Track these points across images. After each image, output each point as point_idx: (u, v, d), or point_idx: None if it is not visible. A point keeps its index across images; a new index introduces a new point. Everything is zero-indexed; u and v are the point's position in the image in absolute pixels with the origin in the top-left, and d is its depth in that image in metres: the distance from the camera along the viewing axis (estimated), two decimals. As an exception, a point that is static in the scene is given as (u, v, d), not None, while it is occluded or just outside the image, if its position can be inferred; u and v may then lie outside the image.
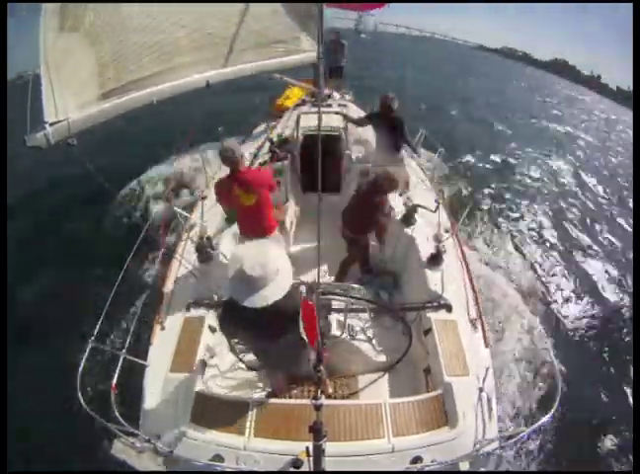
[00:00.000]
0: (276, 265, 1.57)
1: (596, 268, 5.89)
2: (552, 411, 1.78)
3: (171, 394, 2.11)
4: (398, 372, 2.69)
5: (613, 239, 6.83)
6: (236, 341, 2.36)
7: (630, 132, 15.46)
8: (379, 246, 3.46)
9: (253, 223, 2.94)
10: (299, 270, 3.58)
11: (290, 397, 2.40)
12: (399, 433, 1.98)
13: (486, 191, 7.67)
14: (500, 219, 6.68)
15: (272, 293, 1.55)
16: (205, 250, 2.98)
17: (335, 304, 2.73)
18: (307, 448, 1.51)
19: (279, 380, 2.38)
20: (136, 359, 2.19)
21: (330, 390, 2.54)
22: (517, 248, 5.96)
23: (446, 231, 3.29)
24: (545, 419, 1.77)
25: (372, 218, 3.17)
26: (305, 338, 1.80)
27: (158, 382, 2.18)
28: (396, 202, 3.57)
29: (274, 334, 1.77)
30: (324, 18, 4.02)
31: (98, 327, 2.13)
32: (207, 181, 3.98)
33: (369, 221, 3.19)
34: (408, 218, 3.45)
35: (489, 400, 2.10)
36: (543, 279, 5.42)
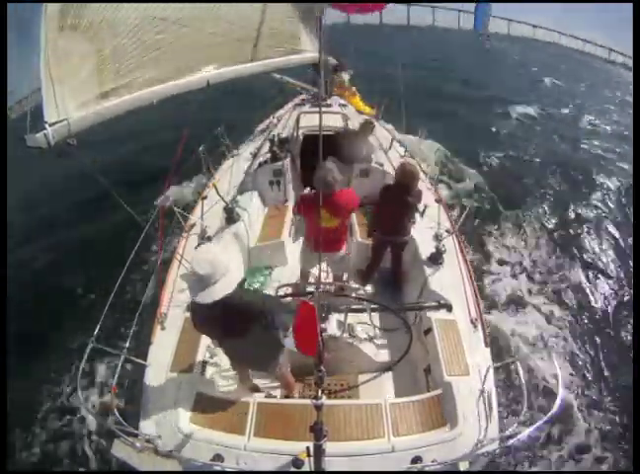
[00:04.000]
0: (224, 263, 1.71)
1: (596, 267, 5.88)
2: (552, 411, 1.78)
3: (171, 394, 2.11)
4: (398, 372, 2.69)
5: (615, 239, 6.81)
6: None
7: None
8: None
9: (326, 242, 2.84)
10: (299, 269, 3.60)
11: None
12: (399, 432, 1.98)
13: (487, 190, 7.63)
14: (503, 216, 6.64)
15: (219, 290, 1.67)
16: None
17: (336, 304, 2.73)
18: (307, 448, 1.51)
19: (245, 376, 2.46)
20: (136, 359, 2.19)
21: (297, 392, 2.58)
22: (517, 247, 5.95)
23: (447, 231, 3.29)
24: (545, 419, 1.77)
25: (410, 217, 3.24)
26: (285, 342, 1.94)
27: (158, 382, 2.18)
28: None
29: (232, 331, 1.89)
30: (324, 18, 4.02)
31: (98, 327, 2.12)
32: (208, 180, 3.98)
33: (409, 221, 3.25)
34: None
35: (489, 400, 2.10)
36: (543, 279, 5.42)
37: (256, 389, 2.56)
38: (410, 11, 24.70)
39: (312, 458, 1.51)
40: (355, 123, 4.71)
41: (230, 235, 3.36)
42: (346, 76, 6.80)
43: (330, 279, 3.29)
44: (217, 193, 3.46)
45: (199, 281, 1.67)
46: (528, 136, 9.83)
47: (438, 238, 3.13)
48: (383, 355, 2.85)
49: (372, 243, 3.48)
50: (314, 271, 2.75)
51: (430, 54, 18.23)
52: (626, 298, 5.26)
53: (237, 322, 1.83)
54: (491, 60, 19.47)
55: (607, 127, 11.39)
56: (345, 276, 3.38)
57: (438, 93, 12.30)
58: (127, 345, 2.19)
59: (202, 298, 1.67)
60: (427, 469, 1.81)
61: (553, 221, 6.66)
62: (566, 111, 12.58)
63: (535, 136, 9.89)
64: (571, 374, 3.97)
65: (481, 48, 21.16)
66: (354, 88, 6.84)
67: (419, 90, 9.98)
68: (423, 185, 4.08)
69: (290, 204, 4.23)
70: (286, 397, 2.55)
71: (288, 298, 2.53)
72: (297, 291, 2.59)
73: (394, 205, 3.09)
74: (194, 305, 1.92)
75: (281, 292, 2.60)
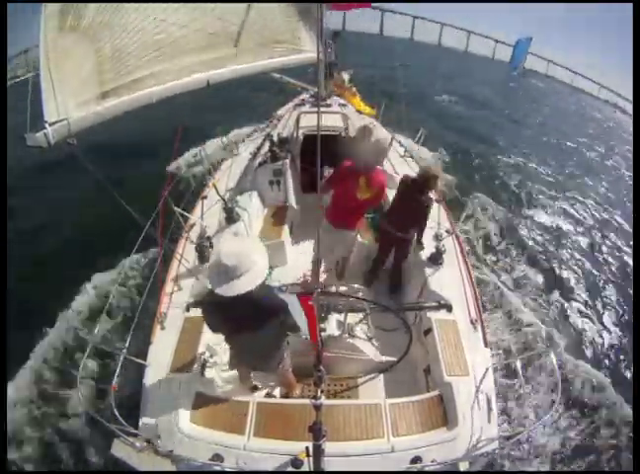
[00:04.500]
0: (251, 258, 1.66)
1: (596, 267, 5.89)
2: (552, 411, 1.78)
3: (171, 394, 2.11)
4: (398, 372, 2.69)
5: (616, 238, 6.80)
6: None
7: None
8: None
9: (351, 215, 3.05)
10: (299, 269, 3.60)
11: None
12: (399, 432, 1.98)
13: (487, 189, 7.62)
14: (504, 218, 6.64)
15: (243, 284, 1.63)
16: (205, 250, 2.98)
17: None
18: (307, 448, 1.51)
19: (246, 375, 2.46)
20: (136, 359, 2.19)
21: (298, 391, 2.59)
22: (517, 247, 5.95)
23: (447, 231, 3.29)
24: (545, 419, 1.77)
25: (420, 216, 3.19)
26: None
27: (158, 382, 2.18)
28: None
29: (246, 326, 1.85)
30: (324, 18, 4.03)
31: (98, 327, 2.13)
32: (207, 180, 3.98)
33: (417, 219, 3.21)
34: None
35: (489, 400, 2.10)
36: (543, 279, 5.42)
37: (255, 389, 2.56)
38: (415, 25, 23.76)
39: (311, 458, 1.52)
40: (354, 124, 4.71)
41: (230, 235, 3.36)
42: (346, 76, 6.80)
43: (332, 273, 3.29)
44: (217, 193, 3.46)
45: (223, 273, 1.63)
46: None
47: (438, 238, 3.14)
48: (383, 356, 2.85)
49: (379, 239, 3.48)
50: (328, 256, 2.79)
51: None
52: (626, 298, 5.27)
53: (253, 317, 1.81)
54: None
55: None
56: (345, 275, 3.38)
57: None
58: (127, 345, 2.19)
59: (225, 291, 1.63)
60: (426, 469, 1.81)
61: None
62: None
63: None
64: (570, 374, 3.97)
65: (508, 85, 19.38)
66: (354, 88, 6.84)
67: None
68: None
69: (291, 205, 4.22)
70: (286, 396, 2.55)
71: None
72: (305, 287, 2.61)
73: (410, 204, 3.09)
74: (207, 298, 1.89)
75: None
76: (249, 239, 1.99)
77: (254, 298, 1.68)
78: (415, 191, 3.04)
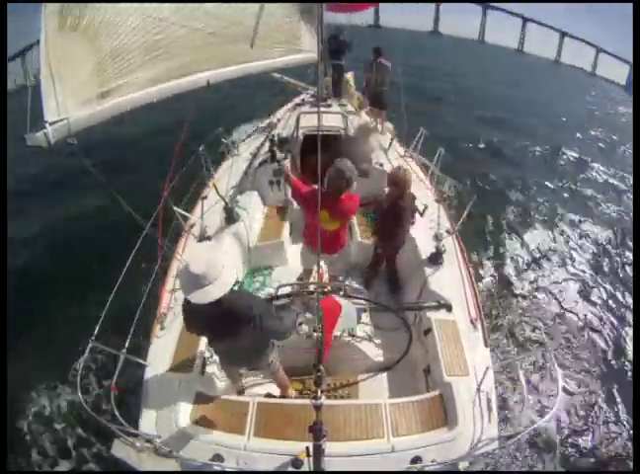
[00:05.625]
0: (219, 265, 1.70)
1: (597, 268, 5.88)
2: (552, 411, 1.78)
3: (171, 394, 2.11)
4: (398, 372, 2.69)
5: (617, 237, 6.78)
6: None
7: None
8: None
9: (325, 242, 2.77)
10: (299, 269, 3.60)
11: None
12: (399, 433, 1.98)
13: (489, 190, 7.61)
14: (503, 218, 6.64)
15: (213, 291, 1.66)
16: None
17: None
18: (307, 448, 1.51)
19: (235, 377, 2.48)
20: (136, 359, 2.19)
21: (292, 392, 2.59)
22: (520, 247, 5.95)
23: (447, 231, 3.29)
24: (545, 419, 1.77)
25: (406, 223, 3.19)
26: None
27: (158, 382, 2.18)
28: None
29: (226, 332, 1.89)
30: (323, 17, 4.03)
31: (98, 327, 2.12)
32: (208, 180, 3.98)
33: (403, 227, 3.21)
34: None
35: (489, 400, 2.10)
36: (544, 279, 5.42)
37: (242, 392, 2.55)
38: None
39: (312, 458, 1.52)
40: (354, 123, 4.71)
41: (230, 235, 3.37)
42: (349, 76, 6.73)
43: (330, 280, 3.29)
44: (217, 193, 3.47)
45: (193, 281, 1.66)
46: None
47: (437, 238, 3.14)
48: (383, 356, 2.85)
49: (374, 253, 3.51)
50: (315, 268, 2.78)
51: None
52: (626, 300, 5.27)
53: (225, 325, 1.84)
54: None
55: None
56: (342, 277, 3.39)
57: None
58: (127, 345, 2.19)
59: (195, 298, 1.67)
60: (426, 469, 1.81)
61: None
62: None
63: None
64: (570, 374, 3.97)
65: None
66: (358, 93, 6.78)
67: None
68: (422, 184, 4.08)
69: (290, 205, 4.22)
70: (282, 397, 2.55)
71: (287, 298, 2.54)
72: (298, 291, 2.60)
73: (389, 214, 3.12)
74: (185, 304, 1.93)
75: (281, 292, 2.61)
76: (216, 247, 2.04)
77: (224, 306, 1.72)
78: (393, 200, 3.07)
